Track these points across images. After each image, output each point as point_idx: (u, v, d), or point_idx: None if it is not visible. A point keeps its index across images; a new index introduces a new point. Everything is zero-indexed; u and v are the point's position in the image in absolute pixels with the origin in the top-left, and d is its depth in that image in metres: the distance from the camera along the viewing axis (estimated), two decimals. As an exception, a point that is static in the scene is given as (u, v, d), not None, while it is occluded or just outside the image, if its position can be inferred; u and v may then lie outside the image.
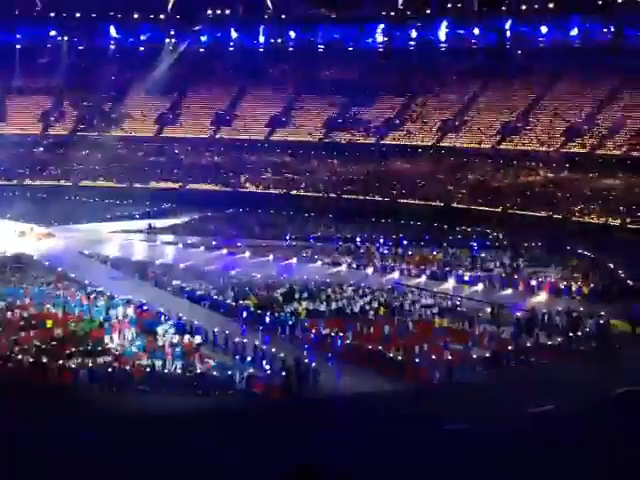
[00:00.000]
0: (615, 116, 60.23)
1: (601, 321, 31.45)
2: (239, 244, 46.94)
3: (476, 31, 68.99)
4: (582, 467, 19.34)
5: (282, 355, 26.92)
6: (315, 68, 72.26)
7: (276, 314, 32.38)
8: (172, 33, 75.12)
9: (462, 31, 69.38)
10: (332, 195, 62.26)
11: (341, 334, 29.59)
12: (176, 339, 28.91)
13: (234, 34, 74.82)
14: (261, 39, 74.51)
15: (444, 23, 69.24)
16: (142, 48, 75.69)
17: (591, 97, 62.58)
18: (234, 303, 34.18)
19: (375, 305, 34.05)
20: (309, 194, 63.25)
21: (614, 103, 61.47)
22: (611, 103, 61.57)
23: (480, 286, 38.24)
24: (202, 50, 75.59)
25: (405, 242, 47.85)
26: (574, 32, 65.34)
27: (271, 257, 44.03)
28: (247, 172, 66.92)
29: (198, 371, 25.97)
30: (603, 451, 20.30)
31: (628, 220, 52.19)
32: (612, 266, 41.30)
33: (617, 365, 27.86)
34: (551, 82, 65.20)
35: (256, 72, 72.54)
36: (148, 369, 26.01)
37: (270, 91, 72.56)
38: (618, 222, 52.21)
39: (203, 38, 75.87)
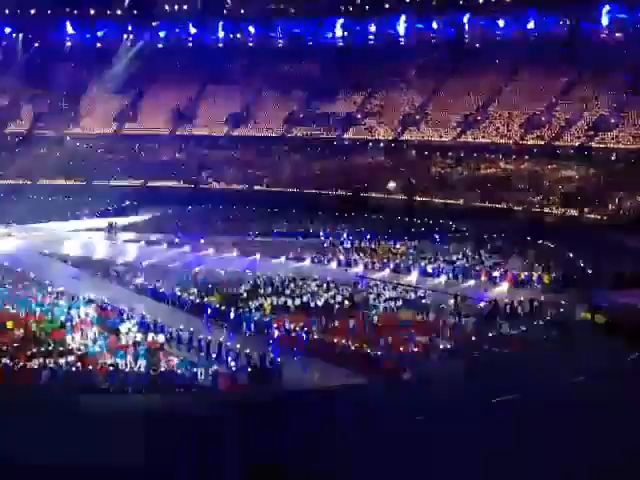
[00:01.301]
0: (572, 108, 61.11)
1: (562, 310, 31.93)
2: (202, 241, 46.68)
3: (435, 25, 69.44)
4: (545, 455, 19.65)
5: (247, 351, 26.85)
6: (275, 64, 72.08)
7: (241, 310, 32.28)
8: (130, 29, 74.30)
9: (421, 25, 69.80)
10: (294, 190, 62.25)
11: (306, 329, 29.63)
12: (139, 337, 28.66)
13: (193, 30, 74.32)
14: (220, 35, 74.15)
15: (403, 18, 69.61)
16: (99, 44, 74.77)
17: (549, 90, 63.38)
18: (198, 300, 34.00)
19: (339, 299, 34.14)
20: (271, 189, 63.15)
21: (571, 95, 62.37)
22: (568, 95, 62.45)
23: (443, 278, 38.57)
24: (161, 46, 74.95)
25: (368, 236, 48.04)
26: (531, 25, 66.14)
27: (235, 253, 43.88)
28: (209, 168, 66.55)
29: (162, 369, 25.75)
30: (567, 439, 20.65)
31: (586, 210, 53.05)
32: (571, 255, 41.96)
33: (578, 353, 28.32)
34: (509, 75, 65.92)
35: (216, 68, 72.15)
36: (111, 368, 25.72)
37: (230, 87, 72.22)
38: (576, 212, 53.04)
39: (161, 34, 75.23)
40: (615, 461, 18.80)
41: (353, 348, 27.68)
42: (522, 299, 33.55)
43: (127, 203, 61.03)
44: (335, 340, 28.45)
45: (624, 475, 18.09)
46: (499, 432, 21.16)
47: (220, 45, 74.09)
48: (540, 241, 45.69)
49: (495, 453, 19.81)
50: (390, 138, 65.41)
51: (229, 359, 26.61)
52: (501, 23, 67.09)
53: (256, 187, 63.83)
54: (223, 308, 32.50)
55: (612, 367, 25.97)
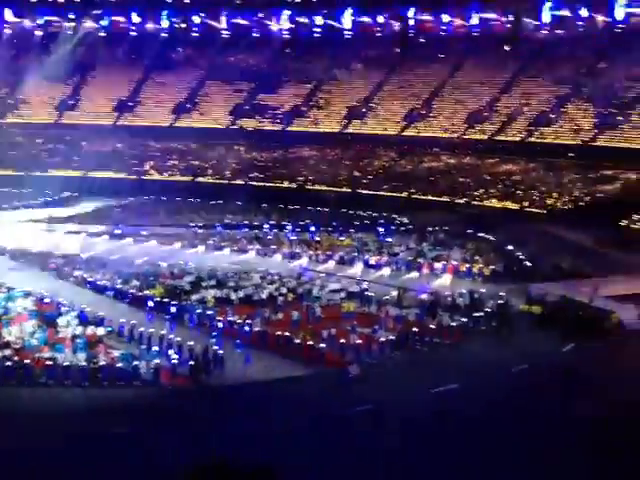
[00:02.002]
0: (514, 103, 62.15)
1: (501, 301, 32.52)
2: (144, 232, 46.10)
3: (380, 19, 69.76)
4: (486, 443, 20.01)
5: (190, 344, 26.65)
6: (220, 54, 71.50)
7: (183, 303, 32.00)
8: (71, 17, 72.74)
9: (367, 19, 70.05)
10: (239, 182, 61.94)
11: (249, 321, 29.55)
12: (79, 331, 28.19)
13: (136, 18, 73.12)
14: (164, 24, 73.13)
15: (349, 11, 69.73)
16: (40, 32, 73.03)
17: (491, 85, 64.33)
18: (139, 293, 33.58)
19: (283, 291, 34.12)
20: (216, 181, 62.73)
21: (513, 90, 63.42)
22: (510, 90, 63.49)
23: (386, 270, 38.87)
24: (103, 34, 73.56)
25: (313, 228, 48.11)
26: (474, 21, 66.96)
27: (177, 245, 43.44)
28: (152, 159, 65.73)
29: (102, 363, 25.39)
30: (506, 426, 21.07)
31: (526, 204, 54.10)
32: (511, 248, 42.74)
33: (516, 343, 28.90)
34: (453, 70, 66.66)
35: (159, 57, 71.19)
36: (50, 362, 25.25)
37: (174, 77, 71.41)
38: (517, 206, 54.03)
39: (103, 22, 73.83)
40: (553, 445, 19.29)
41: (297, 340, 27.72)
42: (463, 291, 34.06)
43: (67, 194, 59.84)
44: (278, 332, 28.44)
45: (560, 459, 18.58)
46: (440, 420, 21.55)
47: (164, 34, 73.10)
48: (481, 234, 46.41)
49: (436, 441, 20.15)
50: (335, 131, 65.56)
51: (171, 352, 26.36)
52: (445, 18, 67.76)
53: (200, 179, 63.28)
54: (165, 301, 32.18)
55: (549, 357, 26.63)
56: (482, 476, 18.32)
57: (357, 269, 39.21)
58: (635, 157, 54.11)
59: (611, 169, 54.51)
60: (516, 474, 18.32)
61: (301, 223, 49.46)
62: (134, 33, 73.24)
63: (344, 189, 59.47)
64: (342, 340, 27.78)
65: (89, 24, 72.93)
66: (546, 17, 64.64)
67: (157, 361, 25.40)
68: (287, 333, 28.23)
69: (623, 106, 57.63)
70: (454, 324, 30.24)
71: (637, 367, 24.55)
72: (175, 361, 25.64)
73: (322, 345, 27.22)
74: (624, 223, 48.12)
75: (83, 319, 29.43)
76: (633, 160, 53.98)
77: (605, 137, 56.79)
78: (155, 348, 26.88)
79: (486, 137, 60.85)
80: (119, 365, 25.38)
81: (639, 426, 20.14)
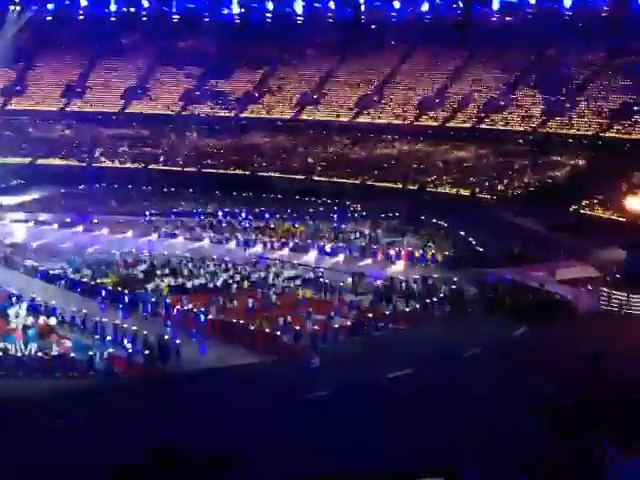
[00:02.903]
0: (464, 90, 62.73)
1: (454, 287, 32.93)
2: (95, 221, 45.43)
3: (332, 5, 69.61)
4: (438, 425, 20.31)
5: (144, 333, 26.41)
6: (170, 39, 70.54)
7: (137, 292, 31.68)
8: (17, 0, 70.93)
9: (318, 5, 69.81)
10: (192, 169, 61.39)
11: (204, 309, 29.40)
12: (30, 321, 27.70)
13: (83, 2, 71.65)
14: (112, 7, 71.78)
15: (300, -4, 69.40)
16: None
17: (442, 71, 64.79)
18: (92, 282, 33.13)
19: (238, 279, 34.01)
20: (168, 168, 62.06)
21: (463, 77, 63.99)
22: (460, 77, 64.04)
23: (341, 257, 39.03)
24: (50, 18, 71.92)
25: (267, 215, 47.99)
26: (425, 7, 67.26)
27: (130, 234, 42.92)
28: (102, 146, 64.68)
29: (55, 353, 25.00)
30: (459, 408, 21.41)
31: (477, 190, 54.79)
32: (463, 234, 43.27)
33: (470, 328, 29.33)
34: (404, 57, 66.93)
35: (108, 42, 69.93)
36: (0, 353, 24.77)
37: (123, 62, 70.26)
38: (468, 192, 54.70)
39: (50, 6, 72.16)
40: (505, 428, 19.68)
41: (252, 327, 27.68)
42: (417, 277, 34.40)
43: (15, 182, 58.58)
44: (234, 320, 28.36)
45: (512, 439, 18.94)
46: (396, 404, 21.79)
47: (112, 18, 71.77)
48: (434, 220, 46.87)
49: (391, 424, 20.37)
50: (288, 117, 65.36)
51: (125, 341, 26.09)
52: (396, 4, 67.91)
53: (152, 166, 62.51)
54: (118, 290, 31.81)
55: (501, 341, 27.10)
56: (429, 456, 18.54)
57: (312, 256, 39.29)
58: (583, 143, 55.22)
59: (560, 155, 55.53)
60: (466, 454, 18.62)
61: (255, 210, 49.31)
62: (82, 17, 71.75)
63: (298, 176, 59.40)
64: (298, 327, 27.83)
65: (35, 7, 71.17)
66: (496, 4, 65.30)
67: (111, 351, 25.12)
68: (243, 321, 28.17)
69: (571, 93, 58.64)
70: (408, 310, 30.55)
71: (587, 348, 25.15)
72: (130, 350, 25.39)
73: (278, 332, 27.23)
74: (573, 208, 49.15)
75: (34, 309, 28.92)
76: (581, 146, 55.09)
77: (554, 124, 57.75)
78: (109, 338, 26.58)
79: (437, 124, 61.34)
80: (73, 355, 25.03)
81: (587, 405, 20.68)
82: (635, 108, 55.52)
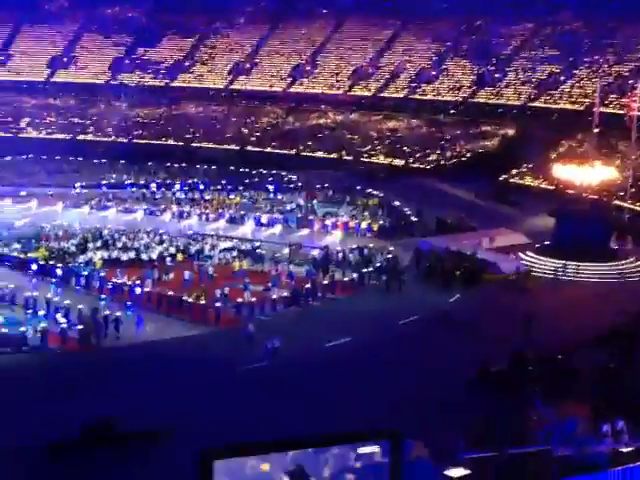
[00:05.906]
0: (396, 60, 62.92)
1: (389, 256, 33.32)
2: (23, 193, 44.14)
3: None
4: (376, 393, 20.67)
5: (79, 307, 25.94)
6: (97, 5, 68.43)
7: (69, 265, 31.04)
8: None
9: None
10: (122, 140, 60.11)
11: (139, 282, 29.04)
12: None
13: (4, -35, 68.77)
14: (35, -28, 69.16)
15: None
16: None
17: (374, 41, 64.77)
18: (22, 256, 32.28)
19: (173, 251, 33.66)
20: (97, 139, 60.61)
21: (395, 47, 64.15)
22: (392, 47, 64.18)
23: (277, 228, 38.97)
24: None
25: (202, 187, 47.45)
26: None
27: (60, 206, 41.87)
28: (27, 116, 62.66)
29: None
30: (395, 376, 21.81)
31: (411, 160, 55.32)
32: (398, 204, 43.72)
33: (405, 296, 29.80)
34: (336, 26, 66.61)
35: (32, 8, 67.41)
36: None
37: (48, 29, 67.93)
38: (402, 162, 55.18)
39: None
40: (441, 396, 20.15)
41: (189, 300, 27.49)
42: (353, 247, 34.66)
43: None
44: (170, 293, 28.11)
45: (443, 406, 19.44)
46: (334, 373, 22.05)
47: (36, -17, 69.22)
48: (369, 190, 47.17)
49: (330, 392, 20.63)
50: (221, 87, 64.48)
51: (59, 316, 25.59)
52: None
53: (81, 137, 60.93)
54: (50, 263, 31.11)
55: (436, 308, 27.65)
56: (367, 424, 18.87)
57: (248, 227, 39.12)
58: (512, 113, 56.23)
59: (490, 125, 56.45)
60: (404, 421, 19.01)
61: (189, 182, 48.68)
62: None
63: (232, 146, 58.83)
64: (236, 299, 27.77)
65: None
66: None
67: (44, 325, 24.61)
68: (179, 293, 27.94)
69: (500, 63, 59.48)
70: (345, 279, 30.80)
71: (514, 311, 25.98)
72: (64, 325, 24.92)
73: (216, 304, 27.12)
74: (504, 177, 50.14)
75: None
76: (511, 116, 56.08)
77: (484, 94, 58.56)
78: (42, 312, 26.02)
79: (370, 94, 61.48)
80: (4, 331, 24.43)
81: (519, 367, 21.35)
82: (562, 78, 56.75)
